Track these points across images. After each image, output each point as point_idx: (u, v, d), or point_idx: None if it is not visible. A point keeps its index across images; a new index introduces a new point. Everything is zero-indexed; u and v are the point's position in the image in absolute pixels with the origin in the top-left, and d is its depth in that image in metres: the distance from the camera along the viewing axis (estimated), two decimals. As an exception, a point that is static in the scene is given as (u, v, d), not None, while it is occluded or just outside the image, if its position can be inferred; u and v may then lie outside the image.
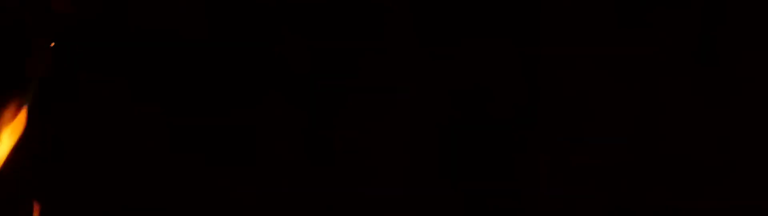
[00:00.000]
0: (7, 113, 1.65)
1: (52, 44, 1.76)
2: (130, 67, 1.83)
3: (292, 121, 1.84)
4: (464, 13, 1.81)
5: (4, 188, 1.75)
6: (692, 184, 1.81)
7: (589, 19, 1.84)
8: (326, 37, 1.83)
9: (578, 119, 1.84)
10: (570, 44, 1.84)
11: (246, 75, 1.83)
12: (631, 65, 1.84)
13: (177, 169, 1.83)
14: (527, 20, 1.83)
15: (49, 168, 1.82)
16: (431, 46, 1.83)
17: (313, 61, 1.83)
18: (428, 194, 1.82)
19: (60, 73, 1.81)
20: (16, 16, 1.68)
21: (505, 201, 1.82)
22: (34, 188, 1.80)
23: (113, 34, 1.83)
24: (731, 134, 1.82)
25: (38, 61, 1.71)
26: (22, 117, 1.67)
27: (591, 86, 1.84)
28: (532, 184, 1.82)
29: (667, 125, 1.83)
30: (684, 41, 1.83)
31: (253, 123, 1.83)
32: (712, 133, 1.83)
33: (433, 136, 1.83)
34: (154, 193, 1.83)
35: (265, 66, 1.84)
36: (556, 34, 1.84)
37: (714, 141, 1.83)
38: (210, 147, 1.83)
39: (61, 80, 1.82)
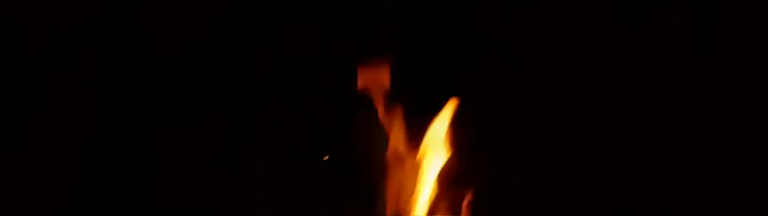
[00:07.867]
0: None
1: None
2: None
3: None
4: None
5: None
6: (692, 184, 1.81)
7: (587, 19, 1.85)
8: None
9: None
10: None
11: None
12: (631, 65, 1.84)
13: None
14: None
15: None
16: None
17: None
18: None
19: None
20: None
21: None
22: None
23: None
24: (731, 134, 1.82)
25: None
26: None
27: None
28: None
29: (667, 125, 1.84)
30: (683, 41, 1.84)
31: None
32: (712, 133, 1.83)
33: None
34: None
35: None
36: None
37: (714, 141, 1.83)
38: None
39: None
